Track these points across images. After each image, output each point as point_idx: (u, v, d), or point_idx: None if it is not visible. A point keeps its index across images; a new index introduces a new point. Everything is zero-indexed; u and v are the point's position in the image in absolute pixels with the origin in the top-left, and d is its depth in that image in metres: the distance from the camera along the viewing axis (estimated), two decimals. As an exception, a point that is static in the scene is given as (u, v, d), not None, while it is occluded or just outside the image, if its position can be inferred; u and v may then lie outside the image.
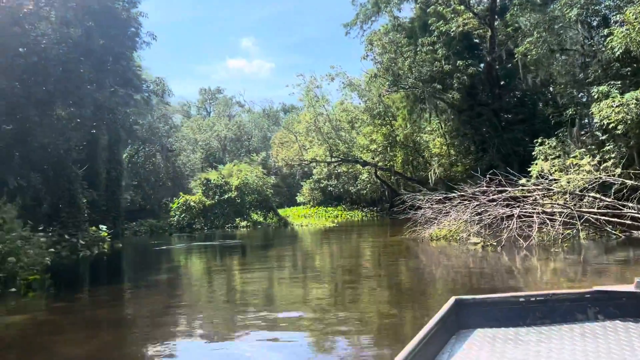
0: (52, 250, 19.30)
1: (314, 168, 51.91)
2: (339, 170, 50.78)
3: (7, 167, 20.09)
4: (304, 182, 56.07)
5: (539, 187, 16.72)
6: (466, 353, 2.56)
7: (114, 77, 23.29)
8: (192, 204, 34.83)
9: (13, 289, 10.88)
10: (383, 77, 32.21)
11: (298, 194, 56.76)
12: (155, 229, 33.38)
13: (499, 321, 2.92)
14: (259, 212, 37.69)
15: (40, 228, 21.79)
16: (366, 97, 44.33)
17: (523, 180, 17.24)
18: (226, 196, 36.08)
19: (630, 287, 2.85)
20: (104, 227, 27.39)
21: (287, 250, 20.34)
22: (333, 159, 44.10)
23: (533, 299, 2.95)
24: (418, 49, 29.28)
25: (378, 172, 44.61)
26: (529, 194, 16.55)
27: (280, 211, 43.63)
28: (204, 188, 36.58)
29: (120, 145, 32.40)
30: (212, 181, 36.72)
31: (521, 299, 2.96)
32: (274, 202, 41.09)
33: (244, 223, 35.62)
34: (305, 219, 42.75)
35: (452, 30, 27.80)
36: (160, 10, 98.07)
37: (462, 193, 17.31)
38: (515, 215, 15.07)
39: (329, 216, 46.24)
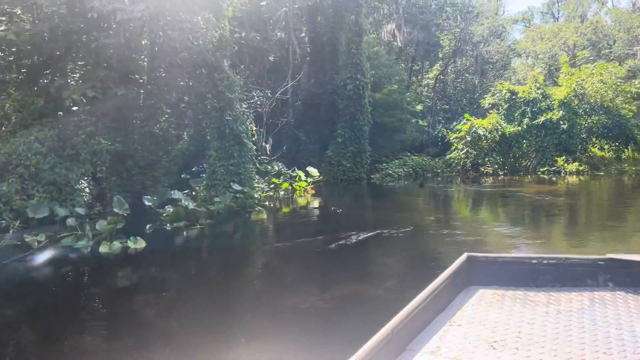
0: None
1: None
2: None
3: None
4: None
5: None
6: (474, 309, 2.57)
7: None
8: (480, 132, 21.54)
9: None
10: None
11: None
12: (420, 171, 21.88)
13: (510, 281, 2.92)
14: (607, 146, 21.28)
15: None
16: None
17: None
18: (542, 119, 21.20)
19: None
20: (314, 170, 17.85)
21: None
22: None
23: (545, 261, 2.95)
24: None
25: None
26: None
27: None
28: (505, 106, 22.56)
29: (361, 43, 21.39)
30: (518, 95, 22.27)
31: (533, 261, 2.98)
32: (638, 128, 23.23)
33: (573, 166, 20.28)
34: None
35: None
36: None
37: None
38: None
39: None
